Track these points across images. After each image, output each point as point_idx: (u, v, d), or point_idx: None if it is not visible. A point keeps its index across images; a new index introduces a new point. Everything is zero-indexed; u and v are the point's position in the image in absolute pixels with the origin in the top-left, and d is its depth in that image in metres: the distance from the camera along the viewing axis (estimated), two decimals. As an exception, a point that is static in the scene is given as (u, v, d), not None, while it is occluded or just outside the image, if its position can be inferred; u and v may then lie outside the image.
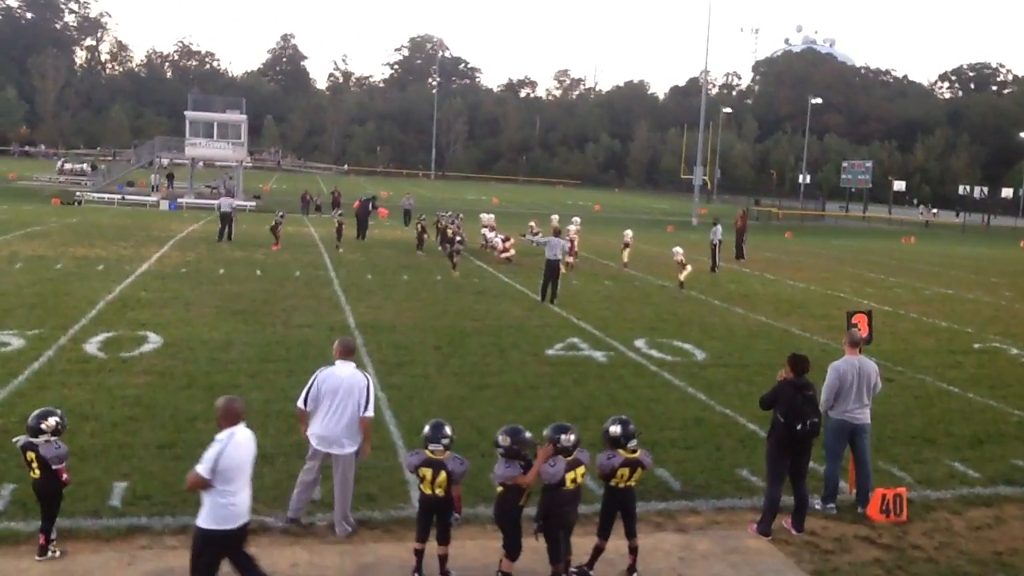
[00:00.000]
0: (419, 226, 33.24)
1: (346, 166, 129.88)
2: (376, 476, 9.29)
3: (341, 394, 7.99)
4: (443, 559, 7.24)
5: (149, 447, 9.78)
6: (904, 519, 8.89)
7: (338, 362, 8.16)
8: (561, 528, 7.09)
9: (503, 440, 6.99)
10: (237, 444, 6.27)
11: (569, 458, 6.97)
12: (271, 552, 7.56)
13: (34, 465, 7.19)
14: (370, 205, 38.57)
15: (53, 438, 7.21)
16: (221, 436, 6.26)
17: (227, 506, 6.21)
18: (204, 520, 6.25)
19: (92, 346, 14.32)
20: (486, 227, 32.98)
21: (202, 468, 6.14)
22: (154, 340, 14.97)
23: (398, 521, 8.28)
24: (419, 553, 7.25)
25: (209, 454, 6.17)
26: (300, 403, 8.10)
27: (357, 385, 8.06)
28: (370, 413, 8.09)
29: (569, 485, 6.96)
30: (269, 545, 7.70)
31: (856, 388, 9.09)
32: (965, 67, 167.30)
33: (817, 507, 9.04)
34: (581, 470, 7.07)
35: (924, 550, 8.28)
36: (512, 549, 7.09)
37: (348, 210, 39.13)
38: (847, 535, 8.56)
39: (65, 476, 7.28)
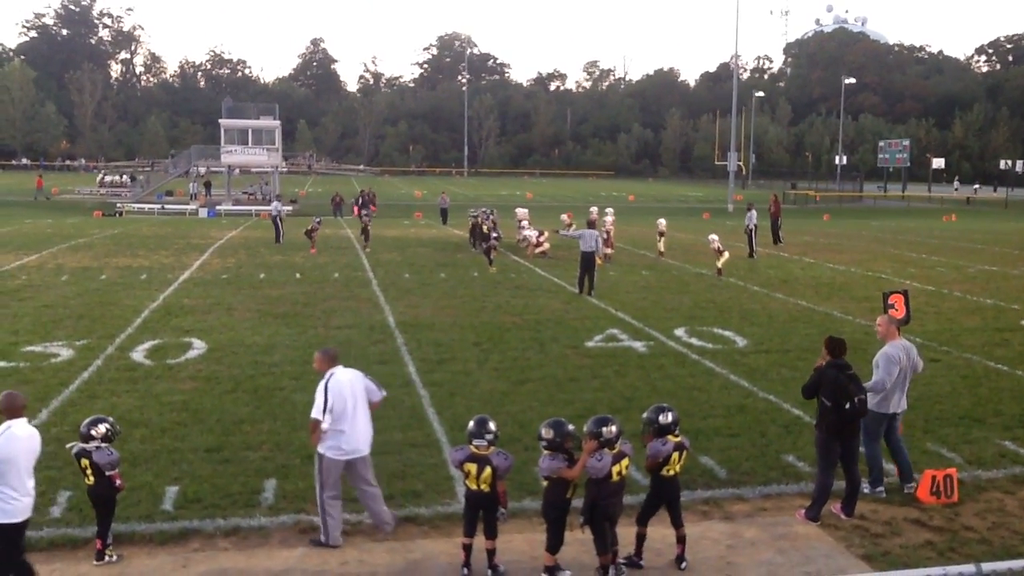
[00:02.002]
0: (471, 222, 33.22)
1: (362, 166, 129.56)
2: (421, 473, 9.37)
3: (353, 399, 7.90)
4: (491, 553, 7.29)
5: (198, 451, 9.94)
6: (955, 500, 8.78)
7: (337, 370, 8.00)
8: (607, 520, 7.10)
9: (546, 433, 7.02)
10: (12, 437, 6.38)
11: (614, 451, 6.98)
12: (320, 551, 7.66)
13: (88, 472, 7.36)
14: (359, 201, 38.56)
15: (104, 445, 7.38)
16: None
17: (8, 500, 6.30)
18: None
19: (139, 354, 14.57)
20: (523, 221, 32.86)
21: None
22: (199, 346, 15.20)
23: (445, 517, 8.35)
24: (467, 548, 7.30)
25: None
26: (319, 414, 7.74)
27: (361, 384, 8.04)
28: (384, 391, 8.32)
29: (615, 478, 6.97)
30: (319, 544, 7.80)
31: (904, 376, 8.98)
32: (1002, 39, 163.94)
33: (866, 491, 8.94)
34: (626, 462, 7.08)
35: (977, 531, 8.17)
36: (553, 543, 7.12)
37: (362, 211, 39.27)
38: (897, 518, 8.47)
39: (119, 482, 7.46)
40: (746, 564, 7.53)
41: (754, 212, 31.02)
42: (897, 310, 10.18)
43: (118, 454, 7.54)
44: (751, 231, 30.70)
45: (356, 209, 37.01)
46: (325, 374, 7.93)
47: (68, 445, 7.66)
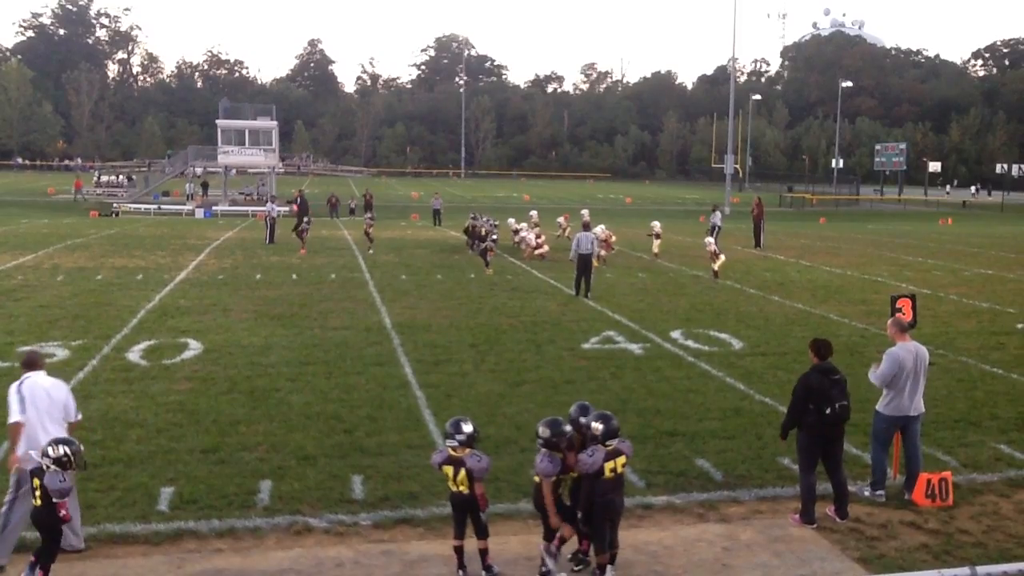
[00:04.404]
0: (470, 226, 32.84)
1: (349, 166, 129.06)
2: (417, 474, 9.36)
3: (53, 405, 7.53)
4: (483, 553, 7.27)
5: (194, 452, 9.92)
6: (950, 503, 8.79)
7: (35, 375, 7.64)
8: (607, 519, 7.10)
9: (543, 432, 7.08)
10: None
11: (609, 447, 6.99)
12: (316, 552, 7.65)
13: (37, 493, 6.80)
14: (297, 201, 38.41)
15: (55, 468, 6.76)
16: None
17: None
18: None
19: (135, 354, 14.54)
20: (535, 224, 32.51)
21: None
22: (195, 347, 15.17)
23: (441, 519, 8.32)
24: (459, 550, 7.28)
25: None
26: (20, 416, 7.32)
27: (61, 395, 7.64)
28: (80, 415, 7.85)
29: (608, 474, 6.97)
30: (314, 545, 7.79)
31: (913, 377, 8.93)
32: (999, 44, 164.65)
33: (866, 494, 8.95)
34: (622, 460, 7.09)
35: (972, 534, 8.18)
36: (559, 529, 7.16)
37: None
38: (893, 521, 8.48)
39: (63, 512, 6.77)
40: (742, 566, 7.53)
41: (719, 212, 31.56)
42: (904, 314, 10.21)
43: (71, 483, 6.88)
44: (714, 230, 31.10)
45: (295, 207, 36.58)
46: (20, 377, 7.60)
47: (31, 453, 7.19)
